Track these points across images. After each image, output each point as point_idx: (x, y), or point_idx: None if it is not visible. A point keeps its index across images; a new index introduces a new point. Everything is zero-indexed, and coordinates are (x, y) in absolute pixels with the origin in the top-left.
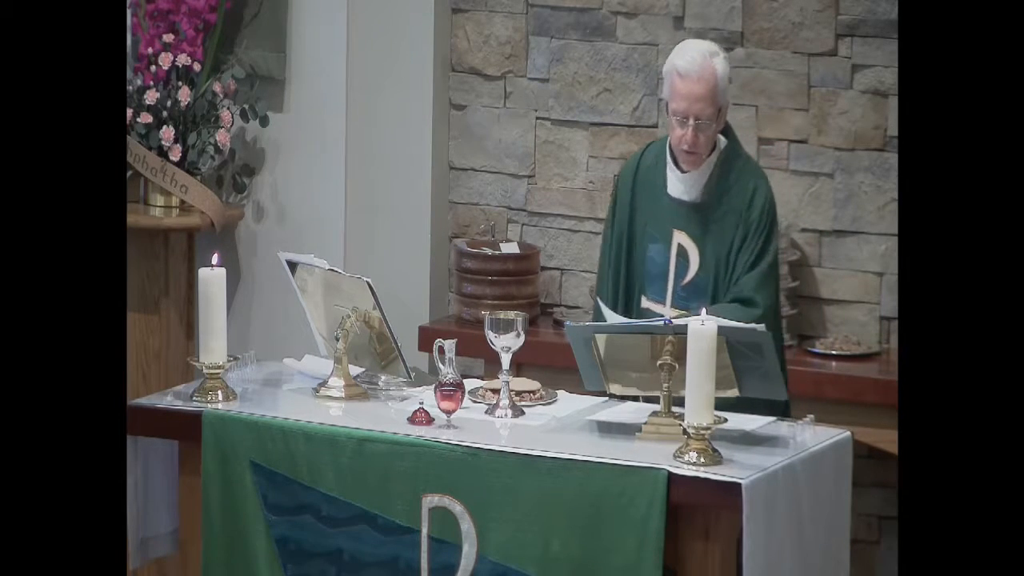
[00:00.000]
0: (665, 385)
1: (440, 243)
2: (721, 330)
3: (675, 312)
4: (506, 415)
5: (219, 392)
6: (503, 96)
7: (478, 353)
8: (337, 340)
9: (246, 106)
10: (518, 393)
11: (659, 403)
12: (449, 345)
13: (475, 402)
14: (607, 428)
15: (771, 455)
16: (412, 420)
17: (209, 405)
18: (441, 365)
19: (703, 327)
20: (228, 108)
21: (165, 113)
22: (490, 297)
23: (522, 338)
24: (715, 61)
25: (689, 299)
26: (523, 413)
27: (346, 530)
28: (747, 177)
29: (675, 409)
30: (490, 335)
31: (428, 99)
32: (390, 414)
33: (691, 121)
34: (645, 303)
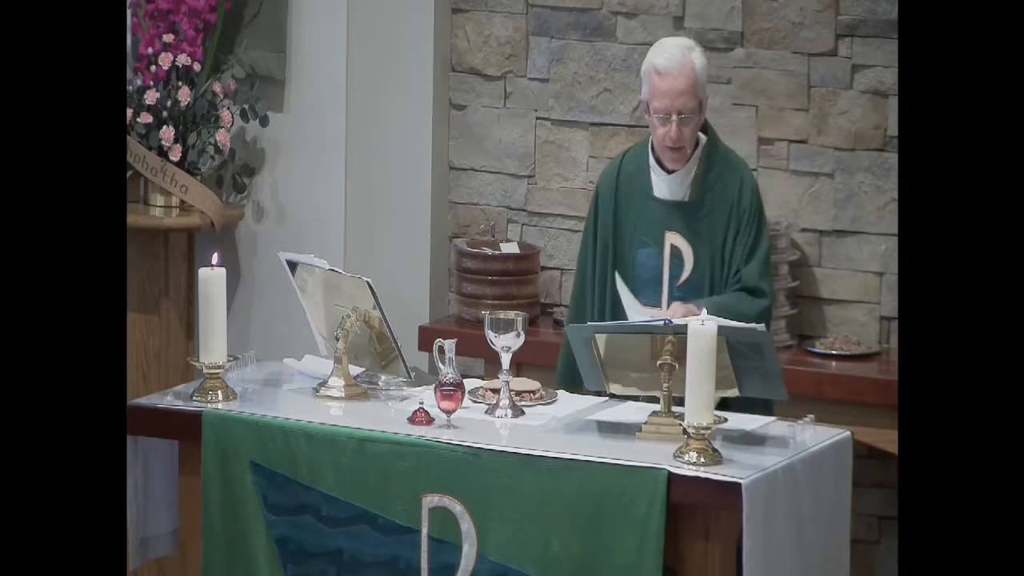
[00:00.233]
0: (665, 385)
1: (440, 243)
2: (721, 330)
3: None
4: (506, 415)
5: (219, 392)
6: (503, 96)
7: (478, 353)
8: (337, 340)
9: (246, 106)
10: (518, 393)
11: (659, 403)
12: (449, 345)
13: (475, 402)
14: (607, 428)
15: (771, 455)
16: (412, 420)
17: (209, 405)
18: (441, 365)
19: (703, 327)
20: (228, 108)
21: (165, 113)
22: (490, 297)
23: (522, 338)
24: (693, 56)
25: (685, 298)
26: (523, 413)
27: (346, 530)
28: (731, 170)
29: (675, 409)
30: (490, 335)
31: (428, 99)
32: (390, 414)
33: (674, 117)
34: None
